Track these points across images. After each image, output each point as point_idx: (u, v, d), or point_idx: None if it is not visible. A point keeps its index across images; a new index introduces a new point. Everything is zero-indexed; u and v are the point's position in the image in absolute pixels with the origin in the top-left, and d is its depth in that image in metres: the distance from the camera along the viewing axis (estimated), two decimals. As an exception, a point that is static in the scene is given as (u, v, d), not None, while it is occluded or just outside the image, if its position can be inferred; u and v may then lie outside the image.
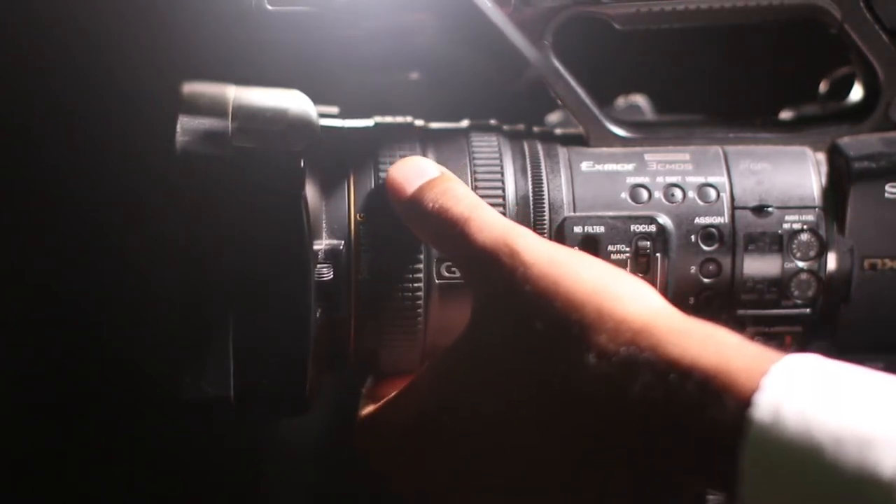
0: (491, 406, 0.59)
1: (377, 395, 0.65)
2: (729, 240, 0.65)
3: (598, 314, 0.56)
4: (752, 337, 0.66)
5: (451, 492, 0.61)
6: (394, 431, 0.63)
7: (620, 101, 0.75)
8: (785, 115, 0.74)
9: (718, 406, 0.51)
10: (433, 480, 0.62)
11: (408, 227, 0.64)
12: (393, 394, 0.64)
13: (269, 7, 0.63)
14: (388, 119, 0.69)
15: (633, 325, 0.56)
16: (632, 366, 0.54)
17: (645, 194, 0.66)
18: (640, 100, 0.75)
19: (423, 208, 0.63)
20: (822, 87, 0.75)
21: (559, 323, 0.57)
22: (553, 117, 0.75)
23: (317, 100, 0.67)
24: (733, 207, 0.66)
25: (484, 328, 0.60)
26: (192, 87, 0.65)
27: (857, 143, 0.67)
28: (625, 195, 0.66)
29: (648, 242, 0.65)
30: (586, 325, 0.56)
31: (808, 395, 0.50)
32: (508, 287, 0.59)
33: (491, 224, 0.61)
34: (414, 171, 0.64)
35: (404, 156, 0.66)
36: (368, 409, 0.65)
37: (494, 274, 0.60)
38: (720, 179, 0.66)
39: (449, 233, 0.62)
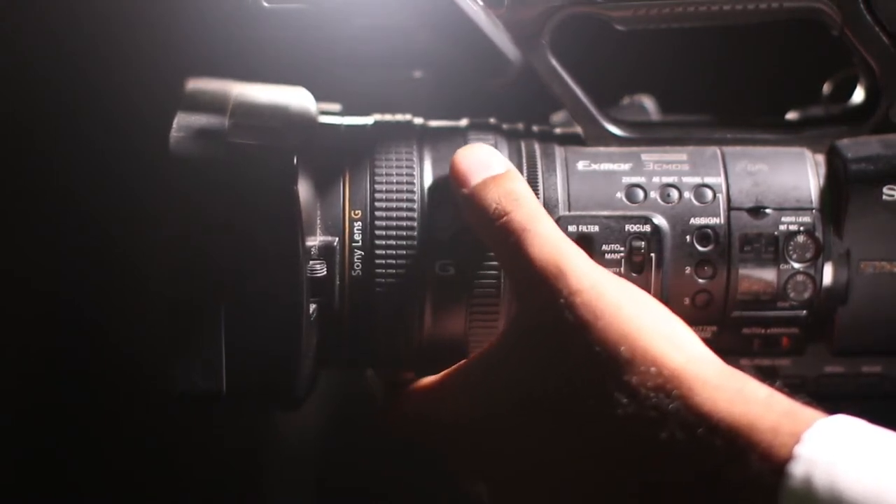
0: (520, 411, 0.59)
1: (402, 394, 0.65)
2: (724, 241, 0.65)
3: (632, 354, 0.56)
4: (750, 340, 0.66)
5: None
6: (438, 427, 0.63)
7: (626, 102, 0.75)
8: (789, 116, 0.74)
9: (744, 467, 0.52)
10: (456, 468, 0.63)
11: (464, 219, 0.64)
12: (428, 390, 0.64)
13: (266, 4, 0.64)
14: (388, 117, 0.69)
15: (665, 369, 0.56)
16: (660, 413, 0.55)
17: (641, 194, 0.65)
18: (645, 100, 0.75)
19: (483, 206, 0.63)
20: (826, 88, 0.75)
21: (593, 357, 0.57)
22: (557, 117, 0.74)
23: (317, 97, 0.67)
24: (729, 208, 0.65)
25: (520, 342, 0.60)
26: (195, 84, 0.66)
27: (855, 144, 0.66)
28: (620, 195, 0.65)
29: (643, 242, 0.65)
30: (620, 363, 0.56)
31: (839, 467, 0.50)
32: (550, 310, 0.59)
33: (545, 239, 0.61)
34: (479, 162, 0.64)
35: (400, 154, 0.66)
36: (406, 408, 0.65)
37: (539, 293, 0.60)
38: (717, 180, 0.66)
39: (505, 239, 0.62)
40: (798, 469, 0.50)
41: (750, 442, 0.52)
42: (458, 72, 0.68)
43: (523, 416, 0.59)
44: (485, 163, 0.64)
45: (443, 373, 0.64)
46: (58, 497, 0.91)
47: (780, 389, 0.55)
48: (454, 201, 0.64)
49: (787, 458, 0.51)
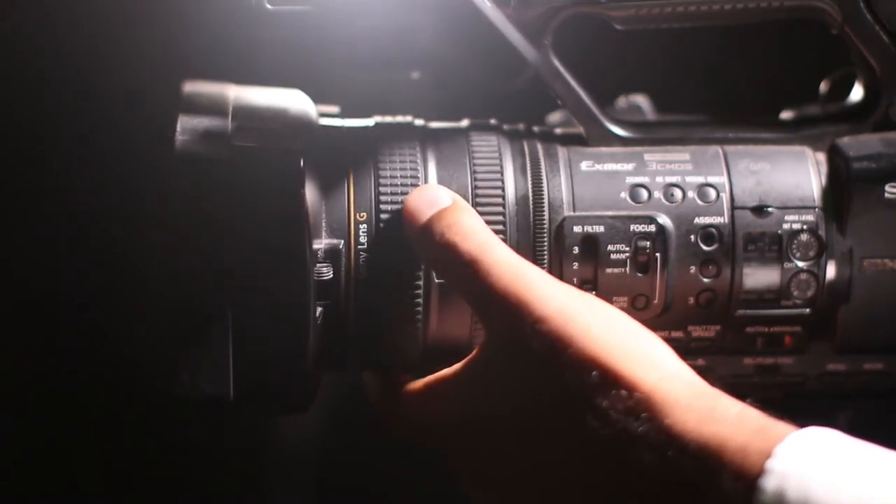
0: (493, 439, 0.60)
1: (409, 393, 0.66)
2: (728, 240, 0.65)
3: (603, 378, 0.56)
4: (753, 339, 0.67)
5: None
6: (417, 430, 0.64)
7: (621, 101, 0.75)
8: (785, 115, 0.74)
9: (716, 486, 0.52)
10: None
11: (422, 258, 0.64)
12: (409, 395, 0.64)
13: (269, 6, 0.63)
14: (388, 118, 0.69)
15: (636, 391, 0.56)
16: (630, 436, 0.55)
17: (644, 194, 0.66)
18: (640, 100, 0.75)
19: (431, 241, 0.62)
20: (823, 87, 0.75)
21: (562, 384, 0.57)
22: (553, 117, 0.74)
23: (317, 99, 0.67)
24: (733, 207, 0.66)
25: (490, 367, 0.60)
26: (192, 87, 0.66)
27: (856, 143, 0.67)
28: (624, 195, 0.65)
29: (648, 242, 0.65)
30: (590, 388, 0.56)
31: (812, 479, 0.50)
32: (517, 339, 0.59)
33: (500, 267, 0.60)
34: (425, 200, 0.63)
35: (404, 155, 0.66)
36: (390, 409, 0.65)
37: (503, 322, 0.59)
38: (720, 179, 0.66)
39: (457, 271, 0.61)
40: (770, 483, 0.50)
41: (720, 461, 0.52)
42: (465, 73, 0.68)
43: (496, 433, 0.60)
44: (432, 200, 0.63)
45: (429, 378, 0.64)
46: (58, 497, 0.91)
47: (753, 405, 0.55)
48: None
49: (759, 474, 0.51)
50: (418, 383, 0.64)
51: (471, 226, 0.62)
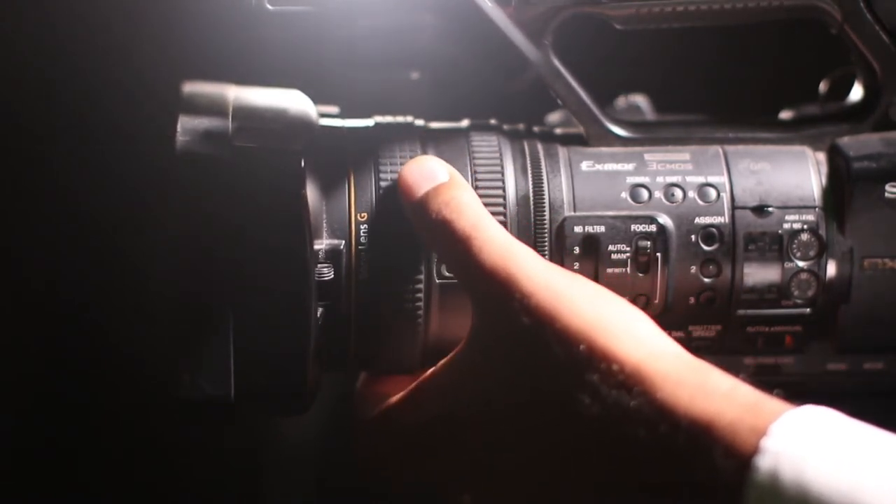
0: (487, 422, 0.59)
1: (377, 394, 0.65)
2: (729, 240, 0.65)
3: (591, 353, 0.56)
4: (754, 339, 0.67)
5: (452, 492, 0.61)
6: (404, 431, 0.63)
7: (621, 101, 0.75)
8: (785, 115, 0.74)
9: (708, 463, 0.51)
10: (436, 479, 0.62)
11: (416, 231, 0.64)
12: (399, 395, 0.64)
13: (269, 7, 0.63)
14: (388, 119, 0.69)
15: (626, 366, 0.55)
16: (622, 410, 0.54)
17: (645, 194, 0.66)
18: (640, 100, 0.75)
19: (427, 216, 0.62)
20: (822, 86, 0.75)
21: (552, 360, 0.57)
22: (553, 117, 0.75)
23: (317, 99, 0.67)
24: (733, 207, 0.66)
25: (480, 350, 0.60)
26: (192, 87, 0.66)
27: (857, 143, 0.67)
28: (625, 195, 0.66)
29: (649, 242, 0.65)
30: (580, 363, 0.56)
31: (807, 458, 0.50)
32: (505, 315, 0.59)
33: (491, 244, 0.61)
34: (422, 174, 0.64)
35: (404, 155, 0.66)
36: (376, 409, 0.64)
37: (492, 299, 0.60)
38: (720, 179, 0.66)
39: (450, 248, 0.62)
40: (764, 462, 0.50)
41: (712, 437, 0.52)
42: (465, 73, 0.68)
43: (490, 422, 0.60)
44: (429, 174, 0.64)
45: (420, 378, 0.63)
46: (58, 497, 0.91)
47: (746, 380, 0.55)
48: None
49: (752, 452, 0.51)
50: (404, 381, 0.64)
51: (467, 202, 0.62)
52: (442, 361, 0.62)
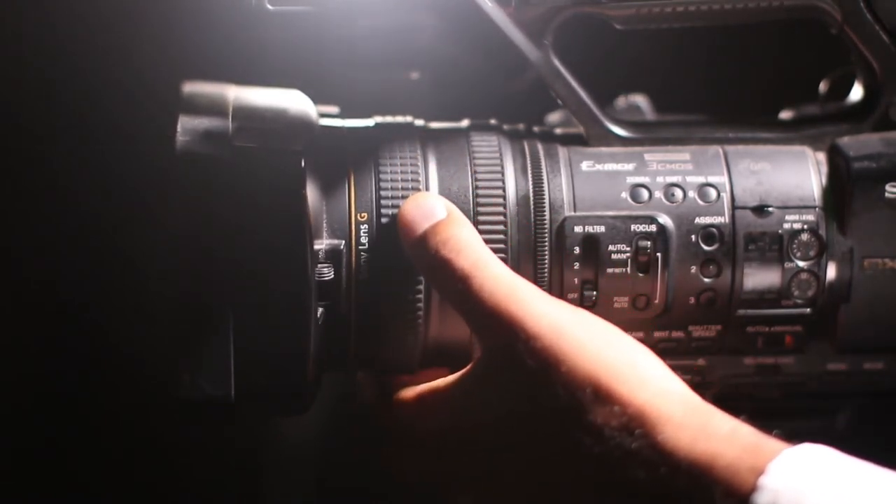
0: (490, 443, 0.60)
1: (394, 397, 0.65)
2: (729, 240, 0.65)
3: (596, 395, 0.57)
4: (754, 338, 0.67)
5: (453, 493, 0.62)
6: (416, 434, 0.64)
7: (620, 101, 0.75)
8: (785, 115, 0.74)
9: (709, 501, 0.52)
10: (440, 479, 0.63)
11: (417, 269, 0.64)
12: (414, 400, 0.64)
13: (270, 7, 0.63)
14: (388, 119, 0.69)
15: (629, 408, 0.56)
16: (624, 452, 0.55)
17: (645, 194, 0.66)
18: (640, 100, 0.75)
19: (426, 255, 0.62)
20: (822, 86, 0.75)
21: (556, 401, 0.57)
22: (553, 117, 0.75)
23: (317, 100, 0.67)
24: (733, 207, 0.66)
25: (485, 382, 0.61)
26: (192, 87, 0.66)
27: (857, 143, 0.67)
28: (625, 195, 0.66)
29: (649, 242, 0.65)
30: (584, 405, 0.57)
31: (806, 496, 0.50)
32: (510, 357, 0.59)
33: (493, 283, 0.60)
34: (420, 211, 0.63)
35: (404, 155, 0.66)
36: (393, 413, 0.65)
37: (496, 339, 0.60)
38: (720, 179, 0.66)
39: (451, 287, 0.61)
40: (763, 500, 0.51)
41: (712, 478, 0.52)
42: (465, 73, 0.68)
43: (489, 447, 0.60)
44: (427, 211, 0.63)
45: (424, 386, 0.64)
46: (58, 497, 0.91)
47: (747, 422, 0.56)
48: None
49: (751, 490, 0.51)
50: (413, 390, 0.64)
51: (466, 240, 0.62)
52: (454, 376, 0.62)
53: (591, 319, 0.60)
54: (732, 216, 0.65)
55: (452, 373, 0.68)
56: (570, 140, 0.68)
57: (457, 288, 0.61)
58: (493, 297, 0.60)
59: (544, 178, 0.66)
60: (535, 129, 0.70)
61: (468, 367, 0.62)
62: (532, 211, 0.65)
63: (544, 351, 0.58)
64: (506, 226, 0.65)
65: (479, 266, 0.61)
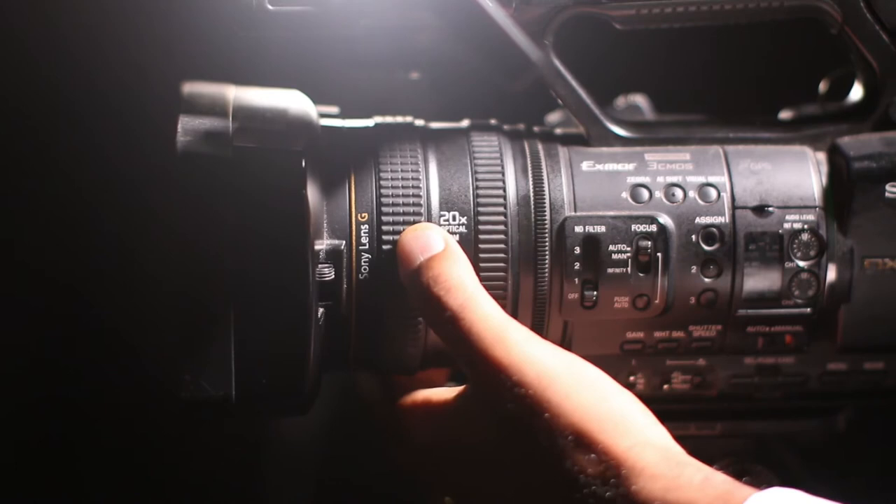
0: (469, 473, 0.61)
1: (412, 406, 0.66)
2: (730, 240, 0.65)
3: (577, 443, 0.57)
4: (754, 339, 0.67)
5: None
6: (414, 442, 0.64)
7: (620, 101, 0.75)
8: (785, 115, 0.74)
9: None
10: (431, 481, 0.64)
11: (410, 301, 0.64)
12: (415, 409, 0.64)
13: (270, 7, 0.63)
14: (389, 119, 0.69)
15: (606, 456, 0.56)
16: (598, 500, 0.56)
17: (645, 194, 0.66)
18: (639, 100, 0.75)
19: (419, 289, 0.62)
20: (822, 86, 0.75)
21: (536, 445, 0.58)
22: (553, 117, 0.75)
23: (317, 100, 0.67)
24: (734, 207, 0.66)
25: (469, 415, 0.61)
26: (192, 87, 0.66)
27: (857, 143, 0.67)
28: (625, 195, 0.66)
29: (649, 242, 0.65)
30: (563, 451, 0.57)
31: None
32: (494, 399, 0.59)
33: (481, 326, 0.60)
34: (418, 244, 0.63)
35: (405, 156, 0.66)
36: (398, 420, 0.65)
37: (482, 381, 0.60)
38: (720, 179, 0.66)
39: (440, 324, 0.61)
40: None
41: None
42: (465, 73, 0.68)
43: (474, 467, 0.61)
44: (424, 244, 0.63)
45: (426, 394, 0.64)
46: (58, 497, 0.91)
47: (721, 470, 0.57)
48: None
49: None
50: (410, 397, 0.65)
51: (457, 278, 0.62)
52: (449, 392, 0.63)
53: (581, 367, 0.60)
54: (733, 216, 0.65)
55: (452, 374, 0.68)
56: (571, 140, 0.68)
57: (446, 327, 0.61)
58: (481, 341, 0.60)
59: (545, 178, 0.66)
60: (536, 129, 0.70)
61: (462, 387, 0.62)
62: (532, 211, 0.65)
63: (528, 398, 0.58)
64: (506, 226, 0.65)
65: (469, 307, 0.61)
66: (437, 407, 0.63)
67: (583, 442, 0.57)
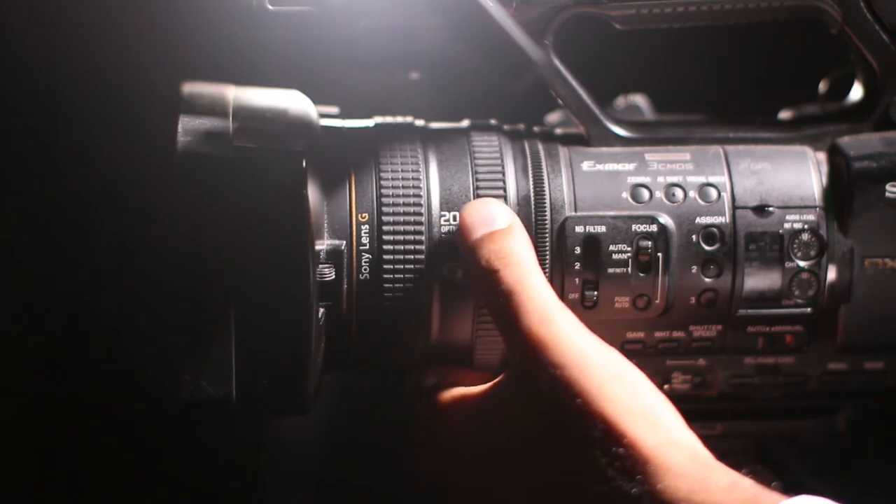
0: (496, 462, 0.61)
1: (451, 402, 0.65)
2: (730, 239, 0.65)
3: (606, 434, 0.57)
4: (754, 338, 0.67)
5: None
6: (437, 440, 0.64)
7: (620, 101, 0.75)
8: (784, 114, 0.74)
9: None
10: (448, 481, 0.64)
11: (466, 273, 0.64)
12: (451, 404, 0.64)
13: (270, 7, 0.63)
14: (389, 119, 0.69)
15: (634, 451, 0.56)
16: (623, 496, 0.56)
17: (646, 194, 0.66)
18: (639, 100, 0.75)
19: (477, 263, 0.62)
20: (822, 86, 0.75)
21: (567, 432, 0.58)
22: (553, 117, 0.75)
23: (317, 100, 0.67)
24: (734, 207, 0.66)
25: (504, 398, 0.61)
26: (192, 87, 0.66)
27: (857, 142, 0.67)
28: (626, 195, 0.66)
29: (650, 242, 0.65)
30: (593, 441, 0.57)
31: None
32: (533, 379, 0.59)
33: (532, 305, 0.60)
34: (482, 217, 0.63)
35: (405, 156, 0.66)
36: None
37: (523, 359, 0.60)
38: (721, 179, 0.66)
39: (493, 299, 0.62)
40: None
41: None
42: (465, 73, 0.68)
43: (501, 464, 0.61)
44: (488, 218, 0.63)
45: (458, 391, 0.64)
46: (58, 497, 0.91)
47: (748, 475, 0.56)
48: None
49: None
50: (455, 392, 0.65)
51: (518, 255, 0.62)
52: (483, 386, 0.63)
53: (620, 361, 0.60)
54: (733, 216, 0.66)
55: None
56: (571, 140, 0.68)
57: (497, 301, 0.61)
58: (529, 318, 0.60)
59: (545, 178, 0.66)
60: (536, 129, 0.70)
61: (497, 378, 0.62)
62: (533, 211, 0.65)
63: (564, 382, 0.58)
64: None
65: (523, 284, 0.61)
66: (473, 399, 0.63)
67: (611, 434, 0.57)
